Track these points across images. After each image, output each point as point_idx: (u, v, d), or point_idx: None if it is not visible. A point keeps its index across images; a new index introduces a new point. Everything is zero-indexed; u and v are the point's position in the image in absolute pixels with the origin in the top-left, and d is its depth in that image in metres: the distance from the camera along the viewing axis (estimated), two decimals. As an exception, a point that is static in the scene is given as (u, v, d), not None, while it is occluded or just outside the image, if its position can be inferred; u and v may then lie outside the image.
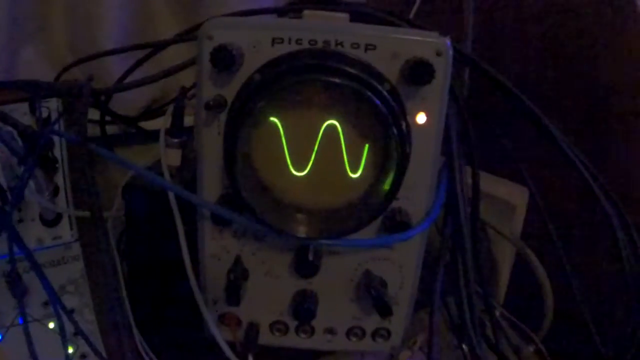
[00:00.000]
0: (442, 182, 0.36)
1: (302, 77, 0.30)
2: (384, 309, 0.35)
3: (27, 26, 0.61)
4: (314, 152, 0.32)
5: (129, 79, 0.51)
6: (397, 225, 0.34)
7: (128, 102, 0.61)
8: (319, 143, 0.32)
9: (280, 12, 0.47)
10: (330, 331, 0.39)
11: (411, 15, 0.55)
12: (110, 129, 0.58)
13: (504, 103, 0.42)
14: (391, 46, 0.32)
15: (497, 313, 0.48)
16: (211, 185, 0.35)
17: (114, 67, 0.60)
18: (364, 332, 0.39)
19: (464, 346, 0.45)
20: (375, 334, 0.39)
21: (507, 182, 0.50)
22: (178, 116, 0.45)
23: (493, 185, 0.49)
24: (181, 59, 0.61)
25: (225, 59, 0.31)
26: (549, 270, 0.48)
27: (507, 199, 0.49)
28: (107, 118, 0.55)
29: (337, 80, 0.30)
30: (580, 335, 0.45)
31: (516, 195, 0.49)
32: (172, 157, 0.45)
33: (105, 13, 0.60)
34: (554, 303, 0.48)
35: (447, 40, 0.33)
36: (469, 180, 0.40)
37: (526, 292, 0.50)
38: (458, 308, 0.41)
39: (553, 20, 0.54)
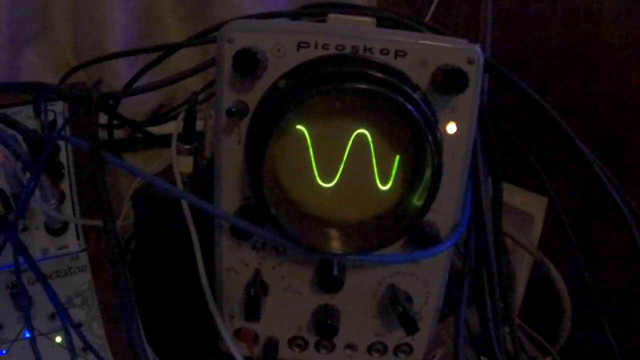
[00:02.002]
0: (467, 194, 0.35)
1: (333, 86, 0.28)
2: (411, 326, 0.33)
3: (29, 27, 0.59)
4: (343, 163, 0.31)
5: (136, 83, 0.49)
6: (426, 239, 0.32)
7: (135, 106, 0.59)
8: (348, 153, 0.30)
9: (292, 15, 0.46)
10: (351, 347, 0.38)
11: (426, 20, 0.54)
12: (115, 133, 0.56)
13: (525, 111, 0.41)
14: (421, 53, 0.31)
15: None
16: (229, 196, 0.34)
17: (120, 70, 0.58)
18: (386, 348, 0.38)
19: (482, 358, 0.44)
20: (397, 350, 0.38)
21: (524, 192, 0.49)
22: (190, 122, 0.44)
23: (511, 195, 0.48)
24: (187, 63, 0.60)
25: (249, 64, 0.29)
26: (565, 280, 0.48)
27: (525, 208, 0.49)
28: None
29: (371, 88, 0.28)
30: (598, 346, 0.44)
31: (534, 205, 0.48)
32: (184, 164, 0.43)
33: (109, 15, 0.59)
34: (572, 313, 0.47)
35: (478, 48, 0.32)
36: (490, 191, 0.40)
37: (543, 302, 0.49)
38: (481, 320, 0.40)
39: (571, 28, 0.53)
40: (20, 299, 0.38)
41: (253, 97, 0.31)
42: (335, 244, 0.31)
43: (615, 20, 0.50)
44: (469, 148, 0.33)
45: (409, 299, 0.35)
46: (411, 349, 0.38)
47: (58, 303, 0.37)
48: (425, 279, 0.35)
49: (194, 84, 0.57)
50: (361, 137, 0.30)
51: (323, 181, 0.31)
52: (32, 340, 0.35)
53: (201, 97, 0.52)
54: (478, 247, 0.38)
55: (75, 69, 0.52)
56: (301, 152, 0.31)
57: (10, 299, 0.40)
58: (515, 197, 0.49)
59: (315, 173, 0.31)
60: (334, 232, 0.31)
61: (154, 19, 0.62)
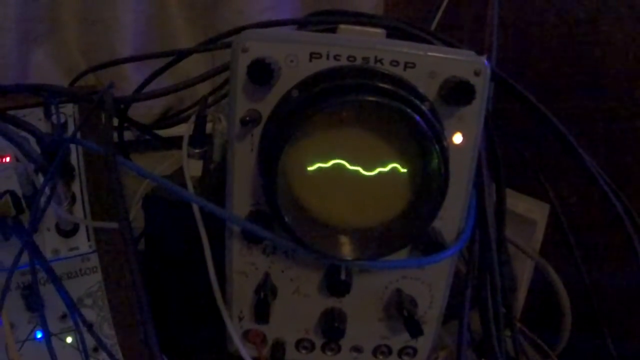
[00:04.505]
0: (471, 201, 0.36)
1: (344, 98, 0.29)
2: (416, 329, 0.34)
3: (38, 27, 0.59)
4: (353, 170, 0.31)
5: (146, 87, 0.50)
6: (432, 245, 0.33)
7: (143, 109, 0.60)
8: (358, 163, 0.31)
9: (301, 23, 0.47)
10: (357, 349, 0.38)
11: (432, 28, 0.55)
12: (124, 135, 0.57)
13: (529, 119, 0.42)
14: (430, 65, 0.31)
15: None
16: (240, 200, 0.34)
17: (128, 73, 0.59)
18: (390, 351, 0.38)
19: (483, 362, 0.45)
20: (401, 352, 0.38)
21: (527, 198, 0.50)
22: (200, 126, 0.45)
23: (513, 201, 0.49)
24: (195, 67, 0.61)
25: (263, 74, 0.30)
26: (566, 284, 0.49)
27: (527, 215, 0.49)
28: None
29: (381, 100, 0.29)
30: (597, 350, 0.45)
31: (536, 211, 0.49)
32: (194, 168, 0.44)
33: (118, 17, 0.59)
34: (572, 318, 0.48)
35: (485, 60, 0.33)
36: (494, 198, 0.40)
37: (544, 306, 0.50)
38: (483, 325, 0.40)
39: (574, 34, 0.54)
40: (34, 300, 0.39)
41: (266, 106, 0.32)
42: (346, 250, 0.32)
43: (616, 25, 0.51)
44: (474, 157, 0.34)
45: (414, 303, 0.36)
46: (415, 351, 0.39)
47: (71, 303, 0.38)
48: (430, 283, 0.36)
49: (201, 87, 0.58)
50: (370, 145, 0.31)
51: (332, 191, 0.32)
52: (48, 340, 0.36)
53: (209, 100, 0.53)
54: (481, 252, 0.39)
55: (87, 72, 0.52)
56: (313, 160, 0.32)
57: (21, 299, 0.40)
58: (518, 203, 0.50)
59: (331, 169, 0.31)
60: (344, 239, 0.32)
61: (163, 22, 0.62)
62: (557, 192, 0.46)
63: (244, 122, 0.31)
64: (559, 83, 0.55)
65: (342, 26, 0.35)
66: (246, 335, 0.38)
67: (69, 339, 0.40)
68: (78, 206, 0.43)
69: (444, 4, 0.59)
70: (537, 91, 0.41)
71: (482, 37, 0.54)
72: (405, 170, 0.32)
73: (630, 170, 0.49)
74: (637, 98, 0.49)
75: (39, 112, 0.45)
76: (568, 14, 0.55)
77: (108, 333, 0.41)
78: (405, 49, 0.32)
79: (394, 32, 0.39)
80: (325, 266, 0.35)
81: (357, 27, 0.35)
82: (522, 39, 0.58)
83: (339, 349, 0.38)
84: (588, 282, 0.45)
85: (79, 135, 0.43)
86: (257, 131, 0.32)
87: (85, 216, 0.43)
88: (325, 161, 0.31)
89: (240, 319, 0.37)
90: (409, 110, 0.29)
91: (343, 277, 0.34)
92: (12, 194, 0.41)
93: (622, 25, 0.50)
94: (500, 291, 0.39)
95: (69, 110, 0.47)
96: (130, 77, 0.59)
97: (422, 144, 0.30)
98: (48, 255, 0.41)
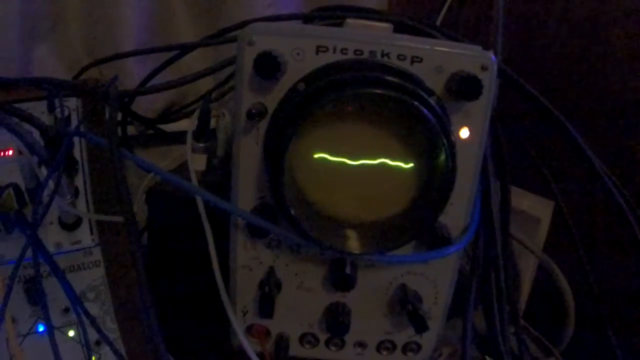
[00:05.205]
0: (476, 196, 0.36)
1: (351, 91, 0.29)
2: (421, 324, 0.34)
3: (42, 23, 0.59)
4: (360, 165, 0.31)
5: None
6: (437, 240, 0.33)
7: (146, 104, 0.59)
8: (364, 157, 0.31)
9: (305, 18, 0.47)
10: (361, 345, 0.38)
11: (438, 22, 0.55)
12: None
13: (533, 115, 0.42)
14: (437, 59, 0.31)
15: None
16: (246, 194, 0.34)
17: (131, 67, 0.59)
18: (394, 346, 0.38)
19: (487, 358, 0.45)
20: (405, 348, 0.38)
21: (531, 195, 0.50)
22: (204, 120, 0.45)
23: (517, 198, 0.49)
24: (198, 62, 0.61)
25: (270, 67, 0.30)
26: (569, 282, 0.49)
27: (532, 212, 0.49)
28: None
29: (389, 93, 0.29)
30: (600, 347, 0.45)
31: (540, 208, 0.49)
32: (198, 162, 0.44)
33: (121, 13, 0.59)
34: (575, 315, 0.48)
35: (492, 55, 0.32)
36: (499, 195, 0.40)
37: (547, 303, 0.50)
38: (487, 321, 0.40)
39: (574, 32, 0.54)
40: (36, 293, 0.39)
41: (272, 99, 0.32)
42: (352, 244, 0.32)
43: (616, 24, 0.51)
44: (480, 152, 0.33)
45: (419, 299, 0.36)
46: (419, 347, 0.39)
47: (74, 297, 0.38)
48: (435, 279, 0.36)
49: (203, 82, 0.58)
50: (377, 139, 0.31)
51: (339, 185, 0.32)
52: (50, 334, 0.36)
53: (213, 95, 0.53)
54: (486, 249, 0.39)
55: (90, 66, 0.52)
56: (319, 154, 0.31)
57: (23, 293, 0.40)
58: (523, 200, 0.50)
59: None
60: (350, 232, 0.32)
61: (166, 17, 0.62)
62: (562, 190, 0.46)
63: (249, 115, 0.31)
64: (560, 81, 0.55)
65: (348, 20, 0.35)
66: (250, 329, 0.38)
67: (71, 333, 0.40)
68: (81, 199, 0.43)
69: (448, 2, 0.59)
70: (538, 89, 0.41)
71: (485, 36, 0.54)
72: (412, 164, 0.32)
73: (632, 168, 0.49)
74: (635, 92, 0.49)
75: (42, 105, 0.45)
76: (570, 13, 0.55)
77: (110, 327, 0.40)
78: (412, 44, 0.32)
79: (400, 27, 0.38)
80: (330, 260, 0.35)
81: (364, 22, 0.35)
82: (523, 37, 0.58)
83: (343, 344, 0.38)
84: (592, 280, 0.45)
85: (82, 128, 0.43)
86: (263, 125, 0.32)
87: (88, 210, 0.43)
88: (332, 155, 0.31)
89: (244, 314, 0.37)
90: (416, 103, 0.29)
91: (348, 271, 0.34)
92: (15, 187, 0.41)
93: (622, 25, 0.50)
94: (505, 288, 0.39)
95: (73, 104, 0.46)
96: (134, 72, 0.58)
97: (429, 137, 0.30)
98: (51, 248, 0.41)
